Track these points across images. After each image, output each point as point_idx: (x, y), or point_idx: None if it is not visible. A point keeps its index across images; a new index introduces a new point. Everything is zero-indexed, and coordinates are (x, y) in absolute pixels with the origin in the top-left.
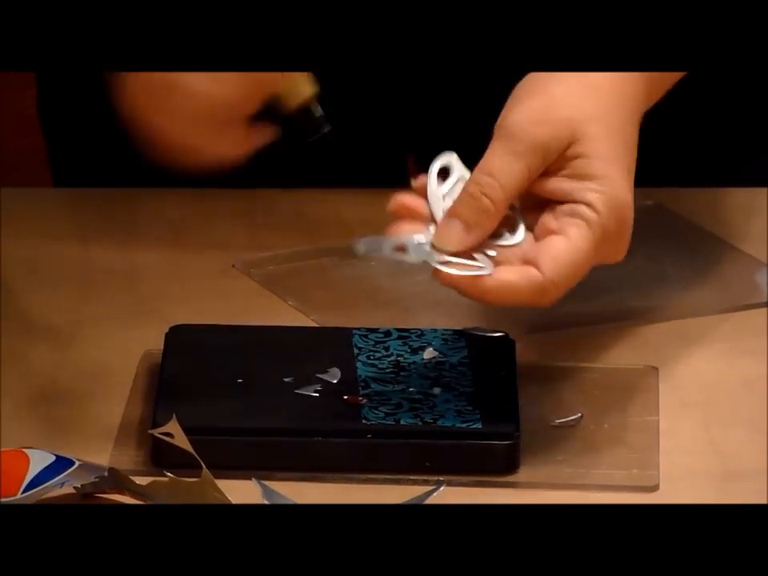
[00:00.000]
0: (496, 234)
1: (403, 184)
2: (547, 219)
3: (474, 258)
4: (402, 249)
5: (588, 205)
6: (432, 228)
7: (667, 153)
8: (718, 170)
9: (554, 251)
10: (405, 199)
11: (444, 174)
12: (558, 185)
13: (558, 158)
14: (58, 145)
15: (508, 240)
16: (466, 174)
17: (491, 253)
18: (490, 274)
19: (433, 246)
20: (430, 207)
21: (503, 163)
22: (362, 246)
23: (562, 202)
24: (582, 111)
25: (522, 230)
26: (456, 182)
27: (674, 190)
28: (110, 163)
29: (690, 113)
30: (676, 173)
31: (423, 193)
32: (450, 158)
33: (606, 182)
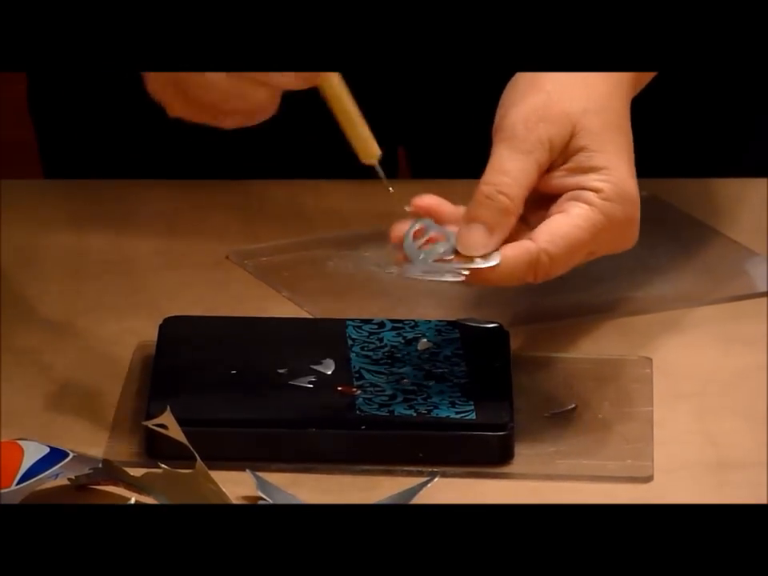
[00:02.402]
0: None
1: (395, 176)
2: (551, 209)
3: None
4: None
5: (594, 191)
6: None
7: (660, 144)
8: (711, 161)
9: (551, 224)
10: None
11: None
12: (561, 179)
13: (560, 153)
14: (48, 136)
15: (480, 263)
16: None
17: (464, 272)
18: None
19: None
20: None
21: (514, 162)
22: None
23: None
24: (578, 105)
25: (497, 254)
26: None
27: (667, 181)
28: (101, 154)
29: (682, 103)
30: (669, 164)
31: (399, 240)
32: (425, 222)
33: (610, 173)
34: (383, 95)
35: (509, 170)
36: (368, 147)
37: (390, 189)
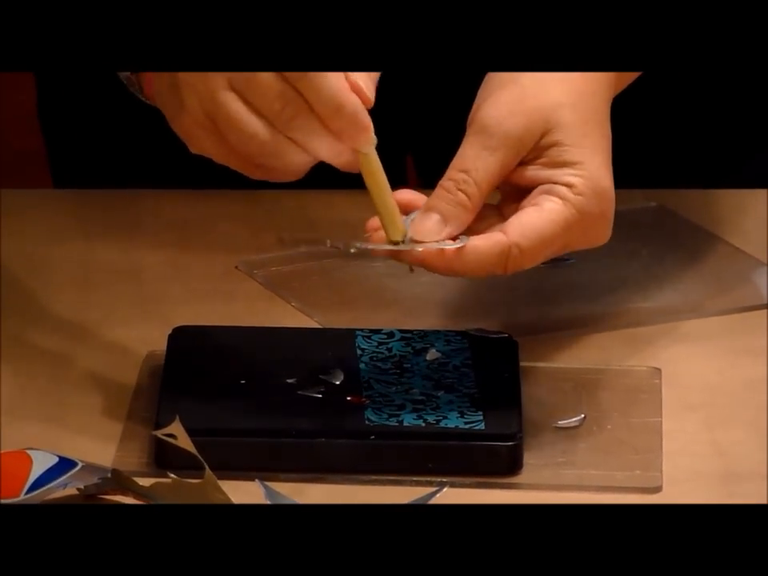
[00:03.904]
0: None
1: (403, 185)
2: (524, 202)
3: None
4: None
5: (567, 185)
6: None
7: (668, 154)
8: (719, 171)
9: (523, 217)
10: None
11: None
12: (535, 173)
13: (533, 148)
14: (58, 146)
15: (445, 244)
16: None
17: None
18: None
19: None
20: None
21: (477, 159)
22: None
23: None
24: (552, 99)
25: (463, 238)
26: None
27: (676, 192)
28: (110, 164)
29: (690, 114)
30: (677, 174)
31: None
32: None
33: (583, 167)
34: (391, 103)
35: (470, 167)
36: (396, 227)
37: (412, 270)
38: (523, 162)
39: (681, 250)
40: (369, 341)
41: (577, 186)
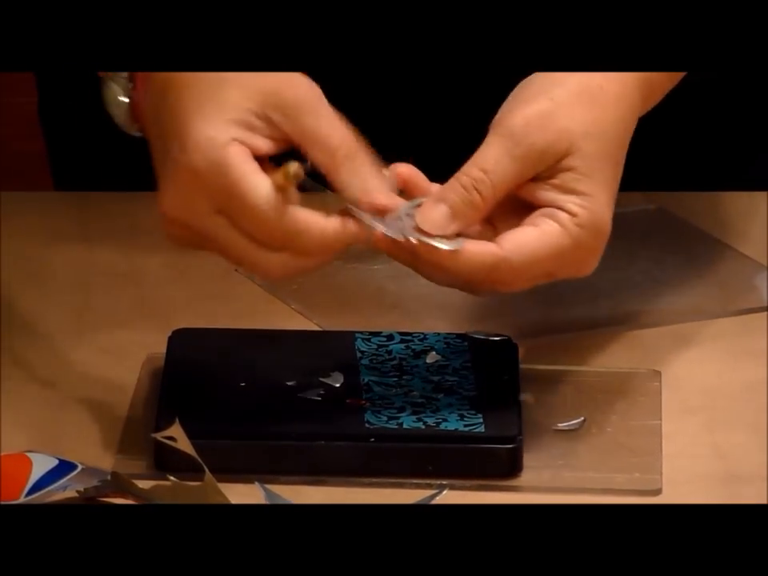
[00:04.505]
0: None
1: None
2: (523, 221)
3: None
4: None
5: (570, 214)
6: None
7: (669, 157)
8: (720, 174)
9: (519, 233)
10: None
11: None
12: (543, 192)
13: (549, 167)
14: (59, 148)
15: (440, 243)
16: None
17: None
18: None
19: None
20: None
21: (498, 163)
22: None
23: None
24: (582, 124)
25: (459, 241)
26: (420, 204)
27: (676, 194)
28: (111, 166)
29: (691, 116)
30: (677, 177)
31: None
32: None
33: (590, 200)
34: (393, 105)
35: (491, 170)
36: None
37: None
38: (534, 179)
39: (680, 252)
40: (368, 343)
41: (579, 217)
